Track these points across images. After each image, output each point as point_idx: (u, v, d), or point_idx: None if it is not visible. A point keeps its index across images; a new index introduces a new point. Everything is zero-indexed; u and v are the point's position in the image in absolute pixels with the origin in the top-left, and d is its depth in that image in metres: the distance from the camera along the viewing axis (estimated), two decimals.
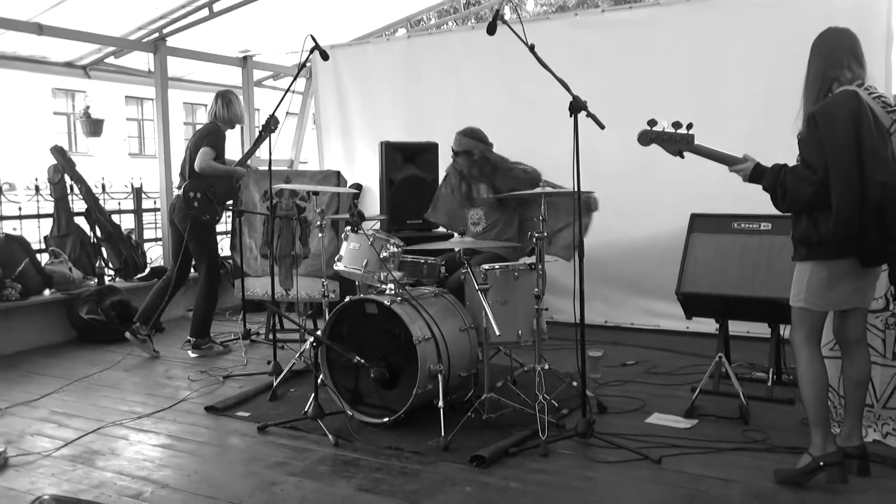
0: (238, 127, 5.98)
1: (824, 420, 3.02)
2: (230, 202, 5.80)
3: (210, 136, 5.37)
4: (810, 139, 2.89)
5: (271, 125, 4.69)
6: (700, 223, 4.45)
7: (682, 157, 3.10)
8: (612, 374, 4.72)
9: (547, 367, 3.98)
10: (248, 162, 5.81)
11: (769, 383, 4.19)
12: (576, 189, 3.49)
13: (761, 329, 4.60)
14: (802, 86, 3.06)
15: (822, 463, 2.98)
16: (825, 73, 2.98)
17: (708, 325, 5.14)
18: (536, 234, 3.96)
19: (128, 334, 5.47)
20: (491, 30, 3.74)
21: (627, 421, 3.90)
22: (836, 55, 2.98)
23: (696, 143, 3.06)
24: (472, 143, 4.86)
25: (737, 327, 4.59)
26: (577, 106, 3.50)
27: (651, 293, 5.84)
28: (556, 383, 4.16)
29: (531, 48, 3.59)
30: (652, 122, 3.08)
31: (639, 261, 5.86)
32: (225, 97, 5.49)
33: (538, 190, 3.98)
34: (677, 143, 3.05)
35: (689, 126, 3.04)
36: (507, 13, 10.80)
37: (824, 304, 3.00)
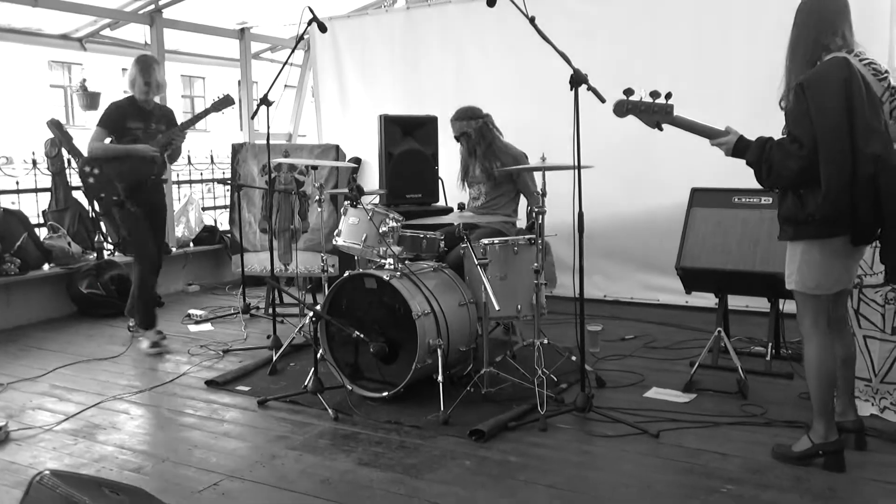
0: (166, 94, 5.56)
1: (829, 409, 2.96)
2: (146, 180, 5.04)
3: (103, 116, 4.92)
4: (797, 110, 2.72)
5: (226, 103, 4.59)
6: (700, 197, 4.43)
7: (661, 129, 3.00)
8: (610, 349, 4.73)
9: (546, 341, 3.99)
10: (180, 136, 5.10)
11: (768, 357, 4.20)
12: (576, 163, 3.46)
13: (760, 303, 4.60)
14: (786, 52, 2.90)
15: (821, 451, 2.97)
16: (816, 39, 2.80)
17: (707, 300, 5.15)
18: (536, 209, 3.95)
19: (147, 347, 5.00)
20: (491, 2, 3.68)
21: (626, 395, 3.91)
22: (828, 20, 2.80)
23: (675, 114, 2.93)
24: (465, 124, 4.86)
25: (736, 301, 4.60)
26: (577, 79, 3.46)
27: (650, 267, 5.83)
28: (555, 357, 4.17)
29: (531, 20, 3.54)
30: (628, 92, 2.95)
31: (638, 235, 5.84)
32: (143, 62, 4.92)
33: (539, 164, 3.95)
34: (655, 113, 2.92)
35: (668, 96, 2.91)
36: None
37: (817, 288, 2.86)
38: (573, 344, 4.37)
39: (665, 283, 5.63)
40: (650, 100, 2.91)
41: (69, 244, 6.16)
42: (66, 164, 6.46)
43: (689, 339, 4.92)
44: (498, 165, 4.81)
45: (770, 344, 4.24)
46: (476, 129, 4.84)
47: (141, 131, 4.93)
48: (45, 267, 5.99)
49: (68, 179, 6.51)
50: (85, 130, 14.46)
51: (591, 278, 5.91)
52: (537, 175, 4.11)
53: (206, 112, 4.97)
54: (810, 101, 2.69)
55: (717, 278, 4.18)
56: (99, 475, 3.02)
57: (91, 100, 8.15)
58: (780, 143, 2.78)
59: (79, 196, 6.55)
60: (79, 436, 3.56)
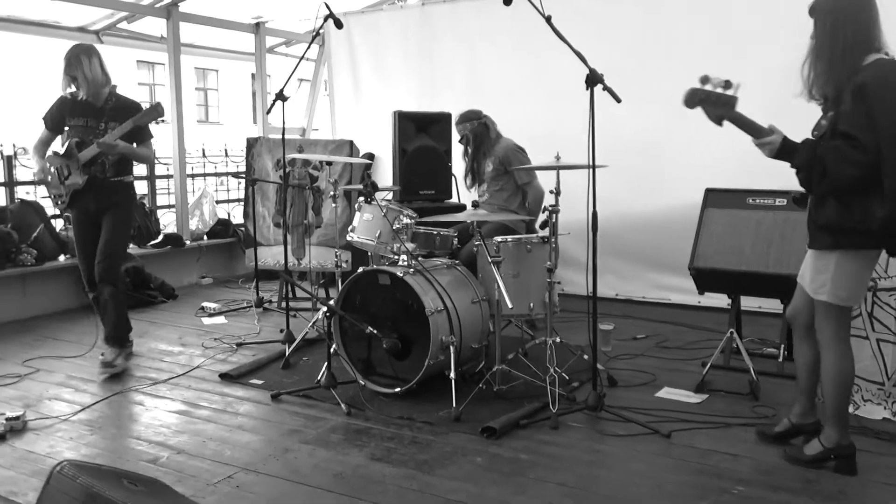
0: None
1: (844, 415, 2.95)
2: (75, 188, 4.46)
3: (47, 110, 4.57)
4: (856, 112, 2.56)
5: (154, 113, 4.30)
6: (714, 198, 4.43)
7: (721, 124, 2.79)
8: (622, 348, 4.74)
9: (558, 339, 4.00)
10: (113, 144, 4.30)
11: (780, 359, 4.20)
12: (591, 162, 3.47)
13: (773, 304, 4.61)
14: (816, 51, 2.75)
15: (833, 455, 2.97)
16: (867, 39, 2.65)
17: (719, 300, 5.14)
18: (549, 207, 3.96)
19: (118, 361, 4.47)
20: (507, 0, 3.69)
21: (637, 395, 3.93)
22: (872, 19, 2.68)
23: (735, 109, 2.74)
24: (463, 127, 5.15)
25: (749, 302, 4.60)
26: (593, 79, 3.46)
27: (663, 267, 5.83)
28: (566, 356, 4.18)
29: (548, 20, 3.54)
30: (704, 80, 2.72)
31: (651, 234, 5.85)
32: (67, 56, 4.35)
33: (552, 164, 3.96)
34: (723, 106, 2.71)
35: (737, 87, 2.71)
36: None
37: (849, 299, 2.80)
38: (585, 342, 4.39)
39: (677, 282, 5.63)
40: (721, 90, 2.71)
41: None
42: None
43: (701, 339, 4.92)
44: (492, 161, 5.03)
45: (783, 345, 4.24)
46: (472, 129, 5.10)
47: (82, 129, 4.39)
48: (61, 258, 6.04)
49: None
50: None
51: (603, 277, 5.85)
52: (551, 174, 4.12)
53: (131, 124, 4.29)
54: (876, 104, 2.53)
55: (730, 279, 4.18)
56: (115, 466, 3.05)
57: None
58: (835, 147, 2.61)
59: None
60: (95, 426, 3.60)
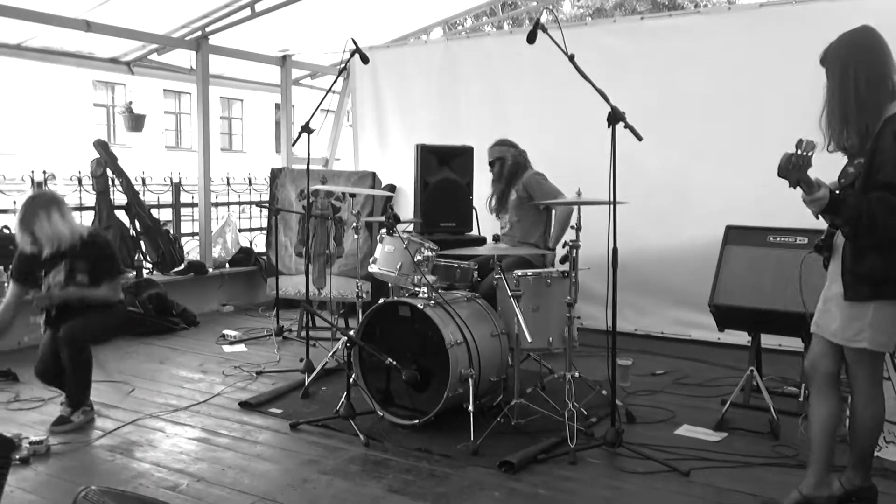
0: None
1: (869, 459, 2.90)
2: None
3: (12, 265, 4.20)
4: None
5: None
6: (735, 235, 4.44)
7: (796, 188, 2.56)
8: (641, 384, 4.73)
9: (577, 374, 4.01)
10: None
11: (801, 398, 4.17)
12: (612, 198, 3.50)
13: (793, 342, 4.58)
14: (830, 101, 2.71)
15: (855, 498, 2.93)
16: (883, 82, 2.63)
17: (739, 337, 5.12)
18: (570, 243, 3.99)
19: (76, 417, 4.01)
20: (531, 38, 3.75)
21: (656, 432, 3.91)
22: (885, 61, 2.66)
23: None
24: (503, 150, 5.20)
25: (769, 340, 4.57)
26: (615, 117, 3.50)
27: (682, 303, 5.82)
28: (585, 391, 4.17)
29: (571, 58, 3.60)
30: (799, 144, 2.47)
31: (671, 270, 5.85)
32: (20, 216, 3.97)
33: (574, 200, 4.00)
34: (802, 168, 2.51)
35: (814, 147, 2.51)
36: (545, 16, 10.79)
37: (888, 345, 2.75)
38: (603, 377, 4.38)
39: (696, 318, 5.61)
40: (808, 153, 2.49)
41: None
42: (110, 184, 6.64)
43: (721, 376, 4.89)
44: (516, 189, 5.13)
45: (803, 384, 4.20)
46: (513, 156, 5.17)
47: (44, 274, 4.07)
48: None
49: (111, 199, 6.69)
50: (126, 149, 14.83)
51: (622, 312, 5.86)
52: (573, 210, 4.16)
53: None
54: None
55: (750, 316, 4.17)
56: (137, 492, 3.08)
57: (136, 122, 8.38)
58: (881, 199, 2.53)
59: (121, 215, 6.73)
60: (116, 452, 3.64)
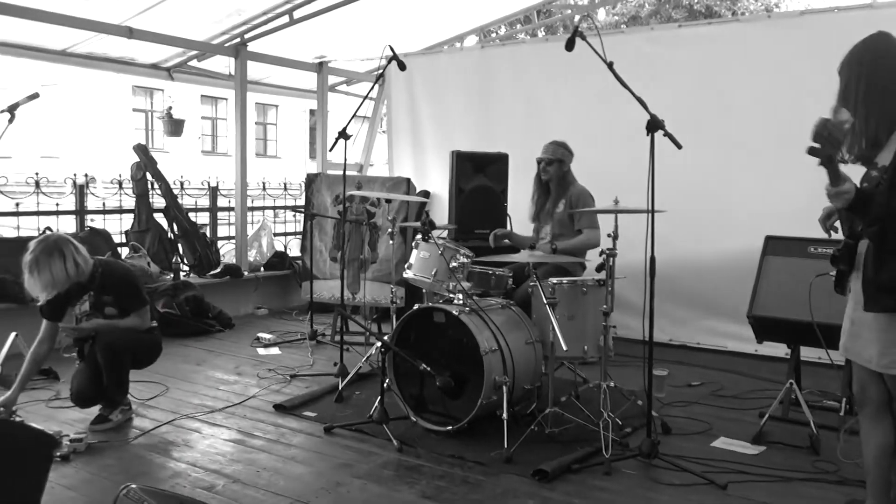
0: None
1: None
2: None
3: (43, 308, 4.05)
4: None
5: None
6: (774, 246, 4.38)
7: (828, 167, 2.41)
8: (676, 395, 4.67)
9: (612, 384, 3.97)
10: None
11: (841, 413, 4.08)
12: (650, 207, 3.47)
13: (833, 356, 4.47)
14: (855, 97, 2.60)
15: None
16: None
17: (777, 349, 5.04)
18: (607, 251, 3.97)
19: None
20: (569, 45, 3.75)
21: (692, 443, 3.86)
22: None
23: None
24: (563, 152, 5.00)
25: (808, 353, 4.48)
26: (654, 125, 3.48)
27: (719, 313, 5.74)
28: (619, 401, 4.14)
29: (610, 66, 3.59)
30: (836, 110, 2.34)
31: (707, 280, 5.77)
32: (29, 266, 3.76)
33: (611, 208, 3.97)
34: (837, 145, 2.36)
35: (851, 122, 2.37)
36: (582, 23, 10.74)
37: None
38: (638, 387, 4.35)
39: (733, 329, 5.54)
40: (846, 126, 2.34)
41: (149, 264, 6.41)
42: (149, 188, 6.76)
43: (758, 388, 4.82)
44: (564, 202, 4.95)
45: (844, 399, 4.12)
46: (568, 161, 5.00)
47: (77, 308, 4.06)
48: None
49: (151, 202, 6.80)
50: (164, 154, 15.04)
51: (657, 321, 5.76)
52: (609, 217, 4.12)
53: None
54: None
55: (790, 329, 4.10)
56: (174, 491, 3.12)
57: (175, 127, 8.51)
58: None
59: (159, 218, 6.84)
60: (154, 451, 3.69)
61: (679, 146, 3.44)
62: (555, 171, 4.97)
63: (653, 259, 3.49)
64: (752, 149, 5.61)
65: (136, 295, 4.15)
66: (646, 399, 3.65)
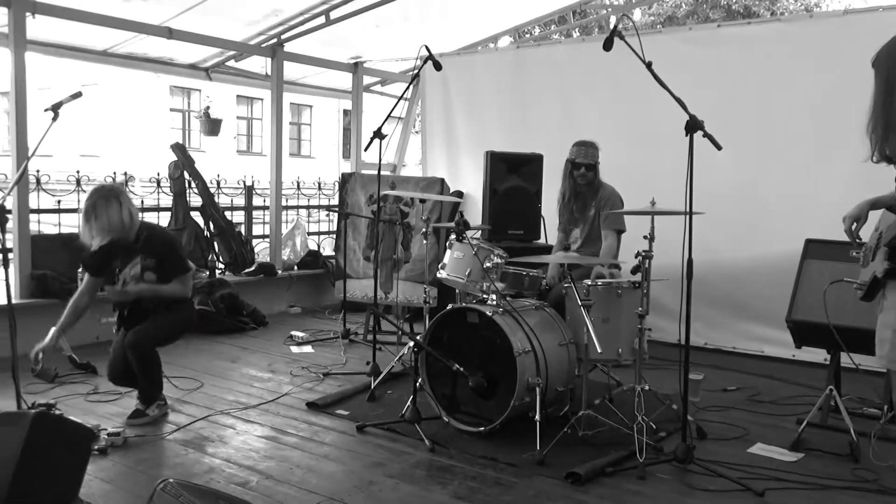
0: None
1: None
2: None
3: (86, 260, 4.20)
4: None
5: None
6: (815, 249, 4.30)
7: None
8: (712, 399, 4.61)
9: (647, 387, 3.93)
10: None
11: (882, 421, 4.00)
12: (688, 209, 3.43)
13: (873, 361, 4.38)
14: (874, 106, 2.52)
15: None
16: None
17: (816, 355, 4.96)
18: (643, 253, 3.92)
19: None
20: (608, 45, 3.71)
21: (728, 449, 3.80)
22: None
23: None
24: (597, 155, 4.88)
25: (847, 358, 4.39)
26: (693, 125, 3.43)
27: (756, 317, 5.66)
28: (654, 404, 4.09)
29: (649, 66, 3.55)
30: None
31: (745, 283, 5.69)
32: (84, 209, 3.94)
33: (648, 209, 3.93)
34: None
35: None
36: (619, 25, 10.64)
37: None
38: (672, 391, 4.30)
39: (771, 334, 5.46)
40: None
41: None
42: (186, 186, 6.85)
43: (796, 394, 4.73)
44: (595, 205, 4.86)
45: (885, 406, 4.03)
46: (598, 164, 4.88)
47: (118, 269, 4.11)
48: None
49: (188, 200, 6.89)
50: (201, 153, 15.25)
51: (692, 325, 5.77)
52: (644, 219, 4.08)
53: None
54: None
55: (830, 334, 4.02)
56: (209, 486, 3.15)
57: (213, 126, 8.62)
58: None
59: (196, 217, 6.93)
60: (189, 447, 3.73)
61: (719, 147, 3.40)
62: (593, 176, 4.87)
63: (690, 261, 3.45)
64: (793, 150, 5.52)
65: (179, 260, 4.19)
66: (681, 403, 3.61)
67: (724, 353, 5.81)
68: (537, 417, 3.68)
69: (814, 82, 5.43)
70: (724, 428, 4.11)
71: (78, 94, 3.92)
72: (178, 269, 4.16)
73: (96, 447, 3.52)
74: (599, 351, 3.70)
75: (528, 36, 10.90)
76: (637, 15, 20.18)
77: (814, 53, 5.46)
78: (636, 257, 3.94)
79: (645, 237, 3.97)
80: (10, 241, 5.33)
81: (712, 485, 3.33)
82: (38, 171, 5.79)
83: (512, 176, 5.90)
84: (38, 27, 5.65)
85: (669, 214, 3.81)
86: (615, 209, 4.76)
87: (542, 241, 5.97)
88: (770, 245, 5.47)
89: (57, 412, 3.86)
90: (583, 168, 4.85)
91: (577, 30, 14.14)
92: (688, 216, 3.44)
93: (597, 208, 4.88)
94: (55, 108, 3.78)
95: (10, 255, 4.88)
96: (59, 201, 5.98)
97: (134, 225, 4.04)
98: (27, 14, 5.35)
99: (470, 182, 7.20)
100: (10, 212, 4.93)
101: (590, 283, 3.99)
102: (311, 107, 25.97)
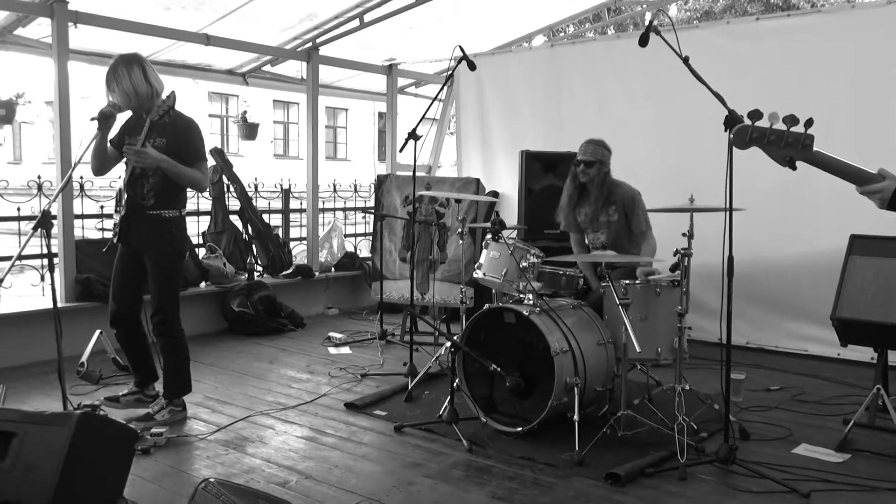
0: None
1: None
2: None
3: None
4: None
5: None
6: (860, 245, 4.19)
7: (794, 167, 2.20)
8: (754, 399, 4.52)
9: (687, 387, 3.88)
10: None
11: None
12: (728, 205, 3.37)
13: None
14: None
15: None
16: None
17: (862, 354, 4.85)
18: (681, 251, 3.87)
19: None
20: (643, 41, 3.68)
21: (772, 450, 3.73)
22: None
23: (815, 149, 2.20)
24: (604, 152, 4.69)
25: (894, 357, 4.29)
26: (733, 120, 3.36)
27: (800, 315, 5.54)
28: (695, 404, 4.03)
29: (685, 60, 3.50)
30: (755, 115, 2.19)
31: (788, 280, 5.58)
32: (107, 74, 3.87)
33: (686, 206, 3.87)
34: (788, 146, 2.17)
35: (809, 123, 2.16)
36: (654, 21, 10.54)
37: None
38: (714, 391, 4.23)
39: (815, 332, 5.35)
40: (783, 127, 2.17)
41: (224, 264, 6.58)
42: (225, 190, 6.94)
43: (842, 394, 4.62)
44: (615, 206, 4.69)
45: None
46: (608, 162, 4.71)
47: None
48: (202, 285, 6.42)
49: (226, 204, 6.98)
50: (238, 157, 15.50)
51: (734, 323, 5.64)
52: (683, 216, 4.02)
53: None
54: None
55: (878, 332, 3.93)
56: (249, 486, 3.18)
57: (250, 130, 8.71)
58: None
59: (235, 220, 7.02)
60: (230, 447, 3.78)
61: None
62: (595, 173, 4.64)
63: (731, 259, 3.39)
64: (835, 143, 5.30)
65: (198, 146, 4.05)
66: (722, 403, 3.55)
67: (767, 352, 5.71)
68: (576, 418, 3.65)
69: (856, 73, 5.31)
70: (767, 428, 4.03)
71: (118, 108, 3.91)
72: (196, 156, 4.00)
73: (139, 447, 3.58)
74: (638, 350, 3.66)
75: (562, 34, 10.84)
76: (672, 11, 19.93)
77: (856, 44, 5.33)
78: (675, 255, 3.89)
79: (684, 234, 3.92)
80: (56, 246, 5.47)
81: (756, 486, 3.27)
82: (81, 178, 5.92)
83: (547, 175, 5.87)
84: (81, 37, 5.77)
85: (709, 211, 3.76)
86: (642, 208, 4.65)
87: None
88: (813, 241, 5.36)
89: (101, 413, 3.96)
90: (581, 165, 4.68)
91: (611, 27, 14.03)
92: (728, 213, 3.38)
93: (622, 210, 4.67)
94: (100, 118, 3.84)
95: (56, 260, 5.01)
96: (101, 206, 6.10)
97: (156, 94, 3.91)
98: (70, 24, 5.47)
99: (505, 182, 7.18)
100: (55, 217, 5.04)
101: (639, 281, 3.94)
102: (346, 110, 26.18)
